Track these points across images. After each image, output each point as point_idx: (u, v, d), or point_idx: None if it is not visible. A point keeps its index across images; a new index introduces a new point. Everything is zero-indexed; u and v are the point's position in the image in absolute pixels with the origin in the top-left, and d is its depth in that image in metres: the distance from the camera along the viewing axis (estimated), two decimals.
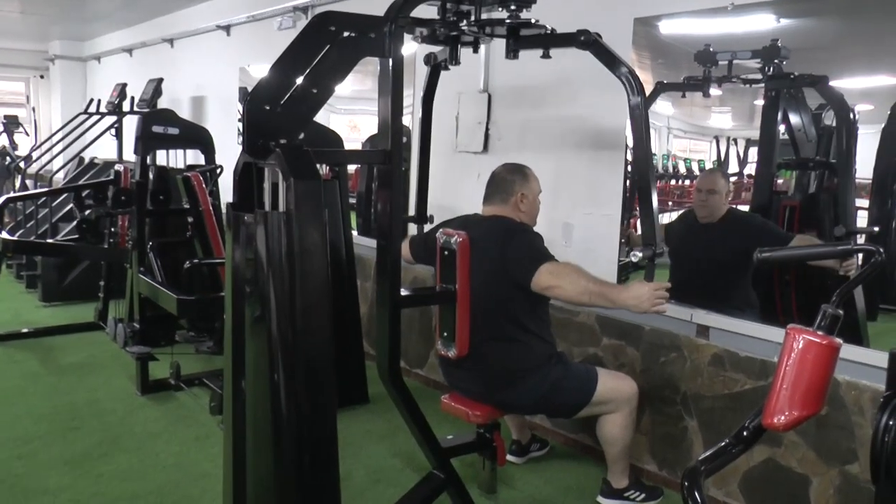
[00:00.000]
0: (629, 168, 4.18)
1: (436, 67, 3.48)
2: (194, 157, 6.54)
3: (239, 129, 6.53)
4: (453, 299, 3.16)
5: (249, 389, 2.62)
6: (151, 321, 5.10)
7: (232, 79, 7.45)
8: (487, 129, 4.62)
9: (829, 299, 1.59)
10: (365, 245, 5.26)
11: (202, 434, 4.18)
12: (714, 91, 4.06)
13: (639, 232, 3.86)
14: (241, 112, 2.69)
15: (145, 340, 4.98)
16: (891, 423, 1.35)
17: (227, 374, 2.74)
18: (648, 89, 4.70)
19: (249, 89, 2.64)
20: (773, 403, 1.60)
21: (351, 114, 6.60)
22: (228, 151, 5.86)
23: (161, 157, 6.24)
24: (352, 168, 6.56)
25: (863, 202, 5.08)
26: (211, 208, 5.17)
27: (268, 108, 2.54)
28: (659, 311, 2.89)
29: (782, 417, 1.59)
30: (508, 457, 3.83)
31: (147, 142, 5.30)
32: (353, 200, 6.33)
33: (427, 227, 3.67)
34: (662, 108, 4.22)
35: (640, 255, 2.89)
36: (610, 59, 2.94)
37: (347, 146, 5.40)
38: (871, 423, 2.88)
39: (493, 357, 3.20)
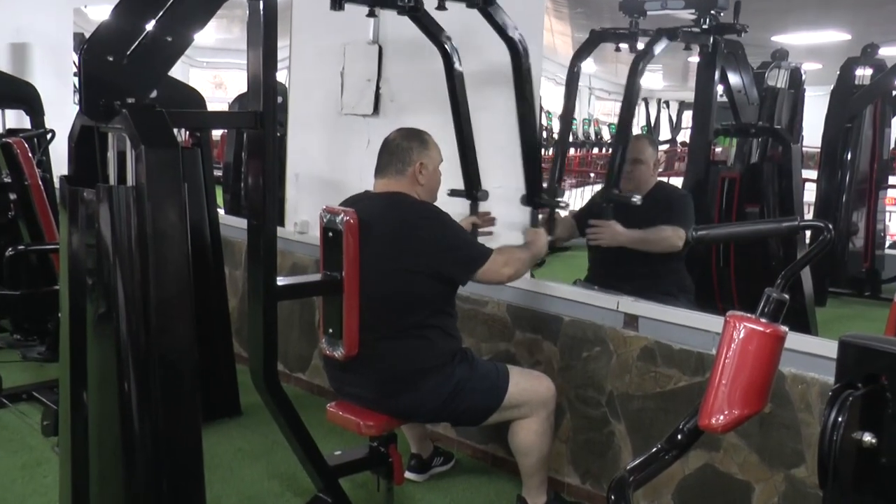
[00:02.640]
0: (547, 135, 4.25)
1: None
2: (16, 119, 6.29)
3: (75, 86, 6.29)
4: (340, 289, 3.13)
5: (93, 403, 2.56)
6: None
7: (64, 22, 7.17)
8: (378, 87, 4.60)
9: (773, 282, 1.65)
10: (234, 226, 5.17)
11: (31, 461, 4.04)
12: (642, 46, 4.13)
13: (562, 214, 4.00)
14: (78, 64, 2.60)
15: None
16: (840, 419, 1.41)
17: (63, 386, 2.67)
18: (567, 42, 4.78)
19: (87, 36, 2.56)
20: (710, 402, 1.65)
21: (215, 68, 6.47)
22: (61, 113, 5.66)
23: None
24: (217, 134, 6.44)
25: (810, 173, 5.31)
26: (40, 182, 5.00)
27: (111, 59, 2.48)
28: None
29: (721, 417, 1.64)
30: (407, 474, 3.84)
31: None
32: (218, 173, 6.22)
33: None
34: (583, 65, 4.29)
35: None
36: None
37: (211, 107, 5.28)
38: (819, 421, 3.01)
39: (387, 357, 3.20)
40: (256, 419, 4.44)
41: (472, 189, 3.88)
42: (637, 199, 3.66)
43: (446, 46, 3.59)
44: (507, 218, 3.97)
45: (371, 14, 3.38)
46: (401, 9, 3.31)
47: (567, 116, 4.45)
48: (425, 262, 3.12)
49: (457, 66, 3.64)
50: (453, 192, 3.86)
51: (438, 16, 3.47)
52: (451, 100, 3.73)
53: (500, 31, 3.46)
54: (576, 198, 6.25)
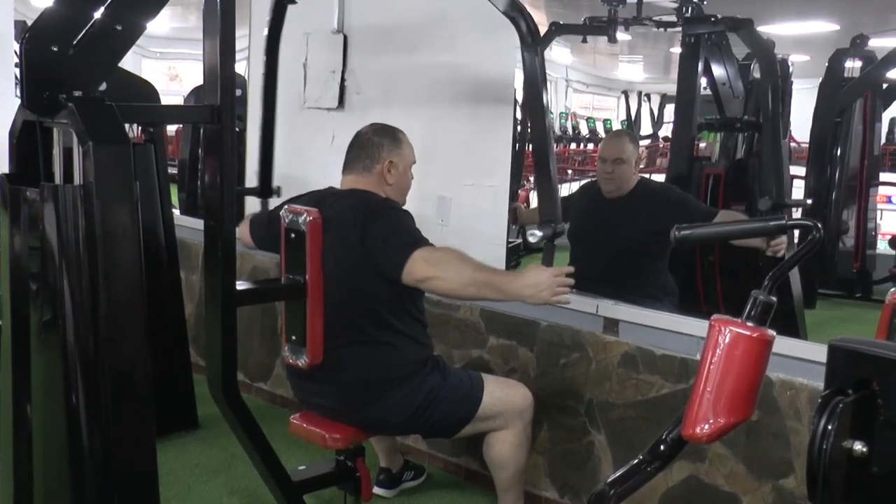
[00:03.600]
0: (522, 130, 4.25)
1: (280, 1, 3.44)
2: None
3: (16, 77, 6.23)
4: (303, 294, 3.13)
5: (37, 418, 2.55)
6: None
7: (4, 9, 7.10)
8: (343, 79, 4.59)
9: (760, 284, 1.66)
10: (190, 227, 5.14)
11: None
12: (622, 35, 4.16)
13: (528, 206, 3.94)
14: (19, 54, 2.58)
15: None
16: (829, 427, 1.42)
17: (4, 400, 2.65)
18: (542, 31, 4.79)
19: (30, 24, 2.53)
20: (694, 410, 1.66)
21: (169, 59, 6.44)
22: (1, 106, 5.60)
23: None
24: (172, 129, 6.40)
25: (798, 169, 5.36)
26: None
27: (56, 49, 2.46)
28: (561, 303, 2.97)
29: (706, 426, 1.64)
30: (376, 489, 3.83)
31: None
32: (173, 170, 6.19)
33: (274, 203, 3.63)
34: (559, 56, 4.31)
35: (540, 234, 2.96)
36: None
37: (165, 100, 5.25)
38: (808, 429, 3.03)
39: (352, 365, 3.19)
40: (215, 432, 4.42)
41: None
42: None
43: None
44: (482, 216, 3.96)
45: None
46: None
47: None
48: (372, 259, 3.10)
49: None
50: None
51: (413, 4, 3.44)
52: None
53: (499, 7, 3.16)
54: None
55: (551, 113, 4.99)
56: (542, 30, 4.69)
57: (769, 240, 3.68)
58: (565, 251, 4.25)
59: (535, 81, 3.06)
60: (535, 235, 2.96)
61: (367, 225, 3.11)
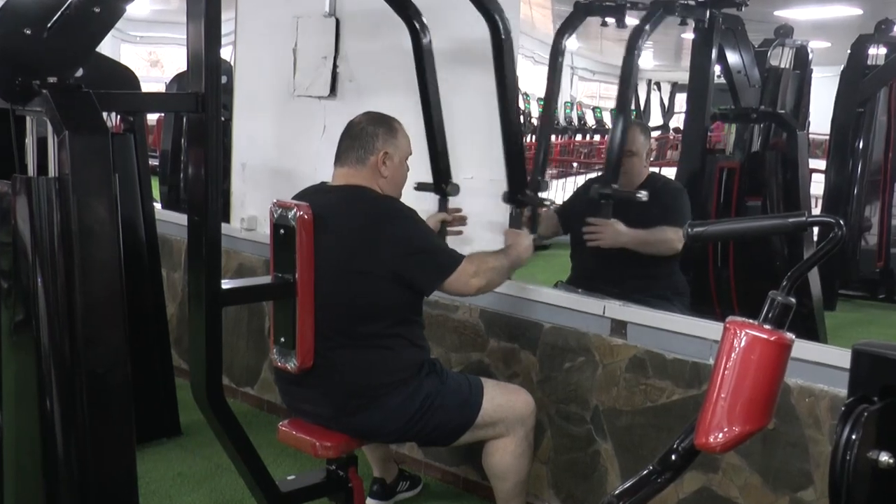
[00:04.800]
0: (525, 120, 4.24)
1: None
2: None
3: None
4: (292, 293, 3.12)
5: (9, 424, 2.55)
6: None
7: None
8: (335, 66, 4.58)
9: (777, 284, 1.65)
10: (173, 222, 5.14)
11: None
12: (631, 20, 4.14)
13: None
14: None
15: None
16: (854, 437, 1.42)
17: None
18: (546, 15, 4.78)
19: (1, 4, 2.53)
20: (707, 418, 1.65)
21: (151, 43, 6.43)
22: None
23: None
24: (153, 118, 6.39)
25: (818, 163, 5.34)
26: None
27: (29, 32, 2.46)
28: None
29: (720, 435, 1.64)
30: (369, 500, 3.83)
31: None
32: (154, 162, 6.18)
33: None
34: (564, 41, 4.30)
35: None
36: None
37: (146, 87, 5.24)
38: (829, 439, 3.03)
39: (344, 369, 3.19)
40: (198, 440, 4.43)
41: (442, 182, 3.82)
42: (643, 195, 3.67)
43: (414, 20, 3.59)
44: (483, 216, 3.96)
45: None
46: None
47: (550, 100, 4.45)
48: (386, 266, 3.11)
49: (425, 40, 3.62)
50: (420, 186, 3.81)
51: None
52: (418, 80, 3.70)
53: (478, 1, 3.46)
54: (557, 190, 6.26)
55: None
56: (545, 13, 4.69)
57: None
58: (563, 250, 4.26)
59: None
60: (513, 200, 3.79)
61: (378, 231, 3.14)
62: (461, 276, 3.16)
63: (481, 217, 3.97)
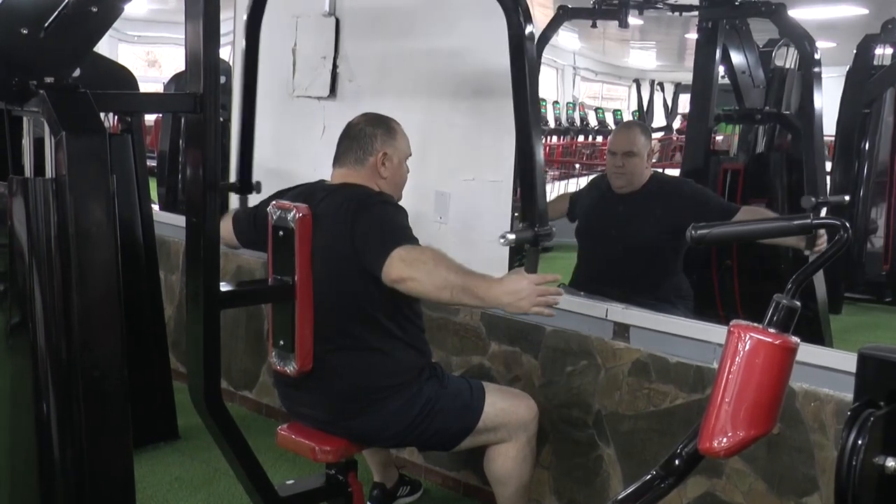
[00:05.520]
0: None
1: None
2: None
3: None
4: (291, 296, 3.13)
5: (4, 428, 2.55)
6: None
7: None
8: (335, 66, 4.58)
9: (781, 287, 1.65)
10: (170, 223, 5.14)
11: None
12: (633, 20, 4.15)
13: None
14: None
15: None
16: (860, 442, 1.42)
17: None
18: (546, 16, 4.79)
19: None
20: (711, 422, 1.65)
21: (148, 43, 6.43)
22: None
23: None
24: (150, 119, 6.39)
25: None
26: None
27: (26, 32, 2.47)
28: (542, 314, 2.94)
29: (724, 440, 1.64)
30: None
31: None
32: (152, 163, 6.18)
33: (254, 200, 3.62)
34: (566, 41, 4.30)
35: (512, 237, 2.94)
36: None
37: (144, 88, 5.24)
38: (834, 444, 3.02)
39: (342, 373, 3.19)
40: (196, 444, 4.42)
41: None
42: None
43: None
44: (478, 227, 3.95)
45: None
46: None
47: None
48: (357, 255, 3.09)
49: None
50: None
51: None
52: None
53: None
54: (557, 191, 6.25)
55: (557, 103, 4.97)
56: (546, 13, 4.69)
57: (808, 240, 3.64)
58: (565, 252, 4.25)
59: (523, 68, 3.06)
60: (506, 239, 2.93)
61: (356, 219, 3.10)
62: (390, 261, 2.95)
63: (483, 214, 3.97)
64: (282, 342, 3.19)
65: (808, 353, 2.83)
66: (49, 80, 2.46)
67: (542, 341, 3.80)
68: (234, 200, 4.58)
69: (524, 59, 3.04)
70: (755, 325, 1.64)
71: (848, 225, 1.65)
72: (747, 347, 1.61)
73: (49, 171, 2.42)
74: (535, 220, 3.00)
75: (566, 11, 4.18)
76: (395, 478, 3.99)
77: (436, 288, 2.94)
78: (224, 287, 2.97)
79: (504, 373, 3.92)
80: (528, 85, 3.07)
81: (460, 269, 2.97)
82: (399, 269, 2.95)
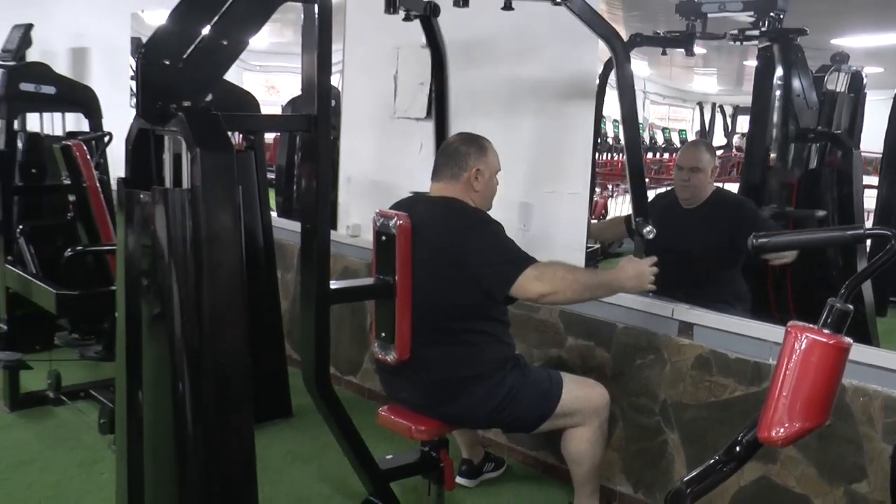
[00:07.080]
0: (601, 139, 4.21)
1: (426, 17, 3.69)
2: (75, 122, 6.39)
3: (132, 89, 6.38)
4: (392, 294, 3.14)
5: (147, 403, 2.59)
6: (23, 321, 4.98)
7: (122, 27, 7.28)
8: (431, 91, 4.60)
9: (830, 292, 1.62)
10: (286, 229, 5.21)
11: (88, 459, 4.10)
12: (698, 49, 4.09)
13: (606, 215, 3.93)
14: (135, 68, 2.64)
15: (15, 345, 4.86)
16: None
17: (119, 385, 2.70)
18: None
19: (144, 40, 2.59)
20: (770, 414, 1.62)
21: (268, 72, 6.52)
22: (119, 116, 5.74)
23: (33, 123, 6.08)
24: (270, 137, 6.48)
25: (870, 179, 5.20)
26: (98, 184, 5.06)
27: (167, 63, 2.50)
28: (651, 289, 3.24)
29: (781, 430, 1.61)
30: (458, 479, 3.83)
31: (14, 103, 5.17)
32: (271, 175, 6.27)
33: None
34: (638, 69, 4.24)
35: (653, 231, 3.33)
36: (591, 17, 3.12)
37: (265, 110, 5.32)
38: (881, 435, 2.95)
39: (433, 364, 3.19)
40: (307, 421, 4.47)
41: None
42: None
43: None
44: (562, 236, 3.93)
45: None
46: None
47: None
48: (469, 272, 3.10)
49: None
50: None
51: (497, 19, 3.44)
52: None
53: (591, 27, 3.28)
54: (621, 207, 6.17)
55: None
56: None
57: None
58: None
59: (631, 96, 3.36)
60: (649, 231, 3.33)
61: (464, 239, 3.12)
62: (523, 282, 3.02)
63: (562, 223, 3.95)
64: (383, 334, 3.21)
65: (857, 351, 2.74)
66: (186, 104, 2.50)
67: (613, 337, 3.77)
68: (341, 210, 4.62)
69: (633, 94, 3.35)
70: (811, 325, 1.61)
71: None
72: (804, 346, 1.59)
73: (185, 183, 2.45)
74: (648, 219, 3.33)
75: (639, 39, 4.12)
76: (482, 455, 3.99)
77: (576, 294, 3.11)
78: (334, 285, 3.00)
79: (580, 364, 3.89)
80: (635, 114, 3.38)
81: (582, 270, 3.21)
82: (537, 287, 3.03)
